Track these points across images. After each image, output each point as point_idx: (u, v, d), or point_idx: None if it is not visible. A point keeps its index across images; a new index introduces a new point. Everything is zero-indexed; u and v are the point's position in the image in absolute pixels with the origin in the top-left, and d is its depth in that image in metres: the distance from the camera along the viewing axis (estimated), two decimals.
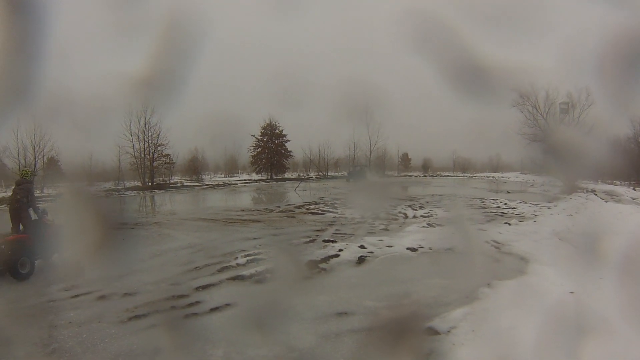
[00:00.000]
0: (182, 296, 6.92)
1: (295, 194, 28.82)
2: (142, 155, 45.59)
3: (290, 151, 60.09)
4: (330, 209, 18.45)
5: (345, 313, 5.99)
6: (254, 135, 58.61)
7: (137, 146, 45.42)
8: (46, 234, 9.09)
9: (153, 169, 45.33)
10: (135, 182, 45.63)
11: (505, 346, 4.54)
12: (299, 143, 60.33)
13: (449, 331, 5.14)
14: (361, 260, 9.07)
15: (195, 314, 6.17)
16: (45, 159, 41.01)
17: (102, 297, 7.02)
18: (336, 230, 12.82)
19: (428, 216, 15.65)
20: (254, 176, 59.07)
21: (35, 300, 6.95)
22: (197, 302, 6.61)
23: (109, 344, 5.29)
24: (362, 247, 9.98)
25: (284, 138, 59.15)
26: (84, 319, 6.09)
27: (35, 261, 8.82)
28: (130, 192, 37.37)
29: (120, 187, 43.19)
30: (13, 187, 9.58)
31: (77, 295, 7.13)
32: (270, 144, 58.88)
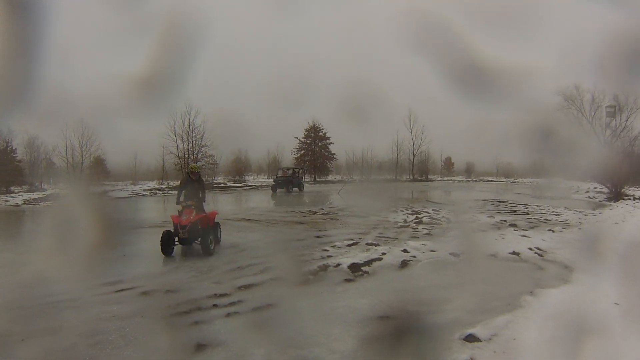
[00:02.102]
0: (224, 295, 7.00)
1: (339, 197, 28.80)
2: (186, 156, 46.59)
3: (334, 154, 60.09)
4: (374, 212, 18.36)
5: (387, 317, 5.96)
6: (297, 137, 58.95)
7: (181, 146, 46.51)
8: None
9: (193, 169, 46.16)
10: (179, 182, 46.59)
11: (547, 357, 4.46)
12: (343, 146, 60.21)
13: (490, 339, 5.05)
14: (404, 264, 9.01)
15: (237, 313, 6.21)
16: (91, 158, 42.45)
17: (145, 293, 7.19)
18: (379, 233, 12.76)
19: (471, 221, 15.42)
20: None
21: (80, 294, 7.14)
22: (239, 301, 6.67)
23: (151, 338, 5.40)
24: (405, 251, 9.91)
25: (328, 140, 59.17)
26: (127, 313, 6.24)
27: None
28: (174, 191, 38.16)
29: (164, 186, 44.27)
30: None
31: (120, 290, 7.31)
32: (313, 146, 59.02)
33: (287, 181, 36.96)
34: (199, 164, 45.98)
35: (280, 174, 39.51)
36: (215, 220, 11.29)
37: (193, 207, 10.30)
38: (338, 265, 8.76)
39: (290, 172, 39.54)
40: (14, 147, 42.95)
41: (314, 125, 58.64)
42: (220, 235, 11.31)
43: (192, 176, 10.77)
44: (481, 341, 5.01)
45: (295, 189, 37.00)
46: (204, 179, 10.91)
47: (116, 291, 7.29)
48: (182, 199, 10.57)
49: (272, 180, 42.63)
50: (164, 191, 38.51)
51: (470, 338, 5.08)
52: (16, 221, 20.18)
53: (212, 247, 9.96)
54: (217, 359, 4.84)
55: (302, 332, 5.46)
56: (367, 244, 11.01)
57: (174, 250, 10.02)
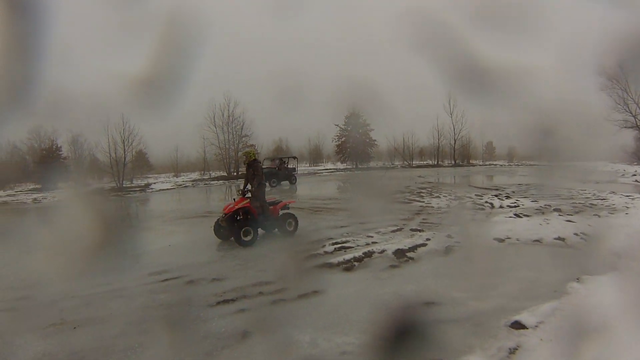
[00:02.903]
0: (269, 282, 7.07)
1: (381, 183, 28.55)
2: (227, 146, 46.97)
3: (375, 140, 59.25)
4: (417, 198, 18.21)
5: (433, 303, 5.91)
6: (337, 125, 58.30)
7: (221, 137, 46.97)
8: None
9: (238, 159, 46.21)
10: (221, 172, 47.04)
11: (595, 345, 4.34)
12: (383, 132, 59.40)
13: (536, 326, 4.95)
14: (448, 250, 8.90)
15: (283, 300, 6.28)
16: (133, 152, 43.47)
17: (191, 282, 7.32)
18: (423, 219, 12.64)
19: (514, 206, 15.02)
20: (339, 165, 58.70)
21: (127, 283, 7.32)
22: (285, 289, 6.72)
23: (198, 326, 5.51)
24: (449, 236, 9.80)
25: (368, 127, 58.41)
26: (173, 301, 6.39)
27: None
28: (216, 182, 38.60)
29: (206, 177, 44.94)
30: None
31: (166, 279, 7.46)
32: (354, 133, 58.34)
33: (270, 174, 29.43)
34: (239, 154, 46.07)
35: (266, 165, 31.91)
36: (286, 212, 11.10)
37: (247, 195, 10.39)
38: (383, 251, 8.74)
39: (277, 162, 32.54)
40: (59, 145, 44.58)
41: (354, 112, 57.90)
42: (295, 226, 10.95)
43: (245, 163, 10.78)
44: (527, 328, 4.93)
45: (285, 182, 30.89)
46: (260, 165, 10.67)
47: (162, 280, 7.45)
48: (246, 187, 10.73)
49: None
50: (207, 182, 39.04)
51: (516, 325, 5.01)
52: (63, 215, 20.80)
53: (246, 240, 9.78)
54: (263, 346, 4.91)
55: (348, 318, 5.48)
56: (411, 229, 10.93)
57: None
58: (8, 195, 34.02)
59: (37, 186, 39.90)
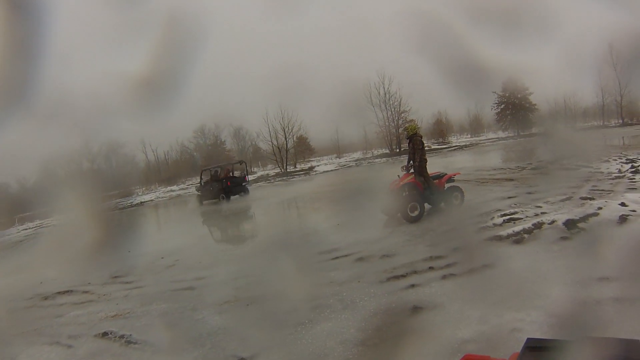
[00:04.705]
0: (439, 257, 6.96)
1: (546, 149, 26.68)
2: (387, 123, 46.61)
3: (535, 104, 54.73)
4: (585, 163, 16.78)
5: (607, 278, 5.38)
6: (495, 92, 54.60)
7: (380, 115, 46.61)
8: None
9: (399, 136, 45.58)
10: (383, 150, 46.93)
11: None
12: (542, 95, 54.49)
13: None
14: (623, 219, 8.03)
15: (453, 275, 6.18)
16: (295, 138, 45.16)
17: (360, 259, 7.47)
18: (593, 186, 11.62)
19: None
20: (501, 134, 55.45)
21: (298, 262, 7.65)
22: (454, 263, 6.60)
23: (368, 302, 5.61)
24: (623, 204, 8.85)
25: (527, 91, 53.97)
26: (344, 278, 6.57)
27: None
28: (379, 159, 38.70)
29: (368, 155, 45.21)
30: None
31: (336, 257, 7.70)
32: (512, 99, 54.39)
33: (216, 187, 23.30)
34: (400, 130, 45.19)
35: (207, 177, 25.36)
36: (452, 184, 10.86)
37: (411, 171, 10.35)
38: (553, 222, 8.16)
39: (213, 173, 24.86)
40: (222, 140, 48.20)
41: (509, 77, 53.58)
42: (461, 199, 10.73)
43: (407, 138, 10.70)
44: None
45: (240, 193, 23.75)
46: (419, 139, 10.40)
47: (333, 258, 7.71)
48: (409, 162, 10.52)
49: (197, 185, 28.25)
50: (370, 160, 39.44)
51: None
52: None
53: (414, 215, 9.71)
54: (434, 321, 4.86)
55: (518, 294, 5.21)
56: (581, 198, 10.08)
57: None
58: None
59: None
